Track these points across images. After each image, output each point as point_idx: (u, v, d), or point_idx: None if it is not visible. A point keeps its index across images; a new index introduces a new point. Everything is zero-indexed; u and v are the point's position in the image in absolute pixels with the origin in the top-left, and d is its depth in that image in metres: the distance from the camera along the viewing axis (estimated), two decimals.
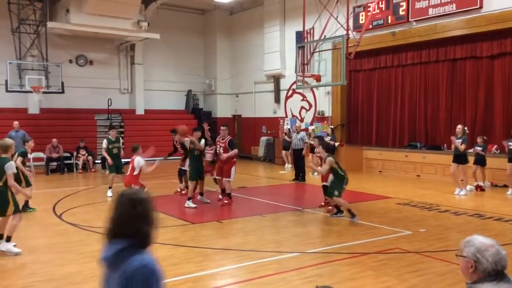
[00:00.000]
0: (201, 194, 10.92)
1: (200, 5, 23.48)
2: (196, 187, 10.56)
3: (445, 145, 14.84)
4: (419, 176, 15.24)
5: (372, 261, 6.43)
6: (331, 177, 9.21)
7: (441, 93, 15.61)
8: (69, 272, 6.05)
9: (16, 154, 8.93)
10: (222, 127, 10.70)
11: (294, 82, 19.87)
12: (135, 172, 9.75)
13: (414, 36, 15.51)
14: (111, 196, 11.50)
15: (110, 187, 11.94)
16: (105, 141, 12.32)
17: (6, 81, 17.40)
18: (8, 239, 6.90)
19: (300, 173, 14.83)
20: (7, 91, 17.54)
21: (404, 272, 5.97)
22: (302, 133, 15.55)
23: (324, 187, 9.77)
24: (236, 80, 23.93)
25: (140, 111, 22.47)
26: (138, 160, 9.78)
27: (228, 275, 6.11)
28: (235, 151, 10.51)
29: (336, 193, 9.02)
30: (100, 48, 21.36)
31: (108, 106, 20.82)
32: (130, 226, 2.32)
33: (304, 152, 15.08)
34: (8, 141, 7.07)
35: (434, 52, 15.57)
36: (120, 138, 12.86)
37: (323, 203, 10.28)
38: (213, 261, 6.68)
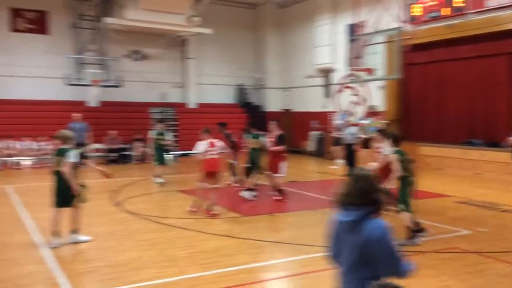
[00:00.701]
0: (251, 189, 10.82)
1: None
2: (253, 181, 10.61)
3: (502, 142, 14.18)
4: (478, 174, 14.66)
5: (430, 260, 6.27)
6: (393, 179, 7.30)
7: (500, 88, 14.92)
8: (128, 258, 6.29)
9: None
10: (271, 122, 10.79)
11: (346, 76, 19.61)
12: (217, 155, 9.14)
13: (471, 29, 14.88)
14: (161, 182, 12.11)
15: (158, 176, 12.54)
16: (152, 132, 13.10)
17: (67, 75, 18.18)
18: (76, 231, 7.09)
19: (352, 168, 14.62)
20: (67, 84, 18.34)
21: (463, 272, 5.80)
22: (353, 128, 15.30)
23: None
24: (286, 74, 23.88)
25: (192, 104, 22.89)
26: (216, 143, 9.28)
27: (281, 268, 6.15)
28: (281, 147, 10.36)
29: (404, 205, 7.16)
30: (154, 43, 21.89)
31: (162, 100, 21.33)
32: (370, 197, 2.89)
33: (355, 147, 14.83)
34: (68, 132, 7.34)
35: (492, 45, 14.87)
36: (164, 132, 13.26)
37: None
38: (266, 254, 6.75)
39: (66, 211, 6.98)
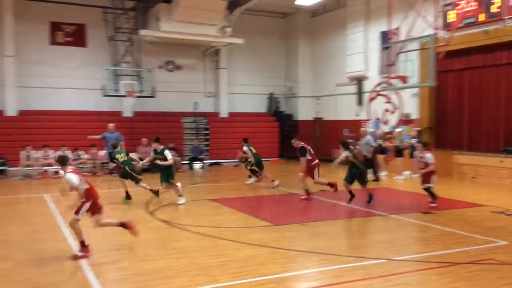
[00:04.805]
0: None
1: (282, 8, 23.68)
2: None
3: None
4: None
5: (464, 271, 6.12)
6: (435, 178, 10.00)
7: None
8: (161, 266, 6.39)
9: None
10: (292, 140, 12.09)
11: (378, 84, 19.40)
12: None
13: (508, 35, 14.51)
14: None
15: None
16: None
17: (103, 86, 18.74)
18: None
19: (376, 175, 15.03)
20: (104, 95, 18.89)
21: (499, 285, 5.63)
22: (368, 137, 15.36)
23: (427, 189, 10.31)
24: (317, 83, 23.83)
25: (224, 114, 23.13)
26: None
27: (312, 278, 6.12)
28: (305, 158, 11.39)
29: None
30: (187, 53, 22.28)
31: (194, 109, 21.64)
32: None
33: (368, 156, 15.05)
34: None
35: None
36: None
37: (433, 204, 10.25)
38: (296, 263, 6.73)
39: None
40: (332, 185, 11.86)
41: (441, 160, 16.03)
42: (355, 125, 20.79)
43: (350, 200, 10.84)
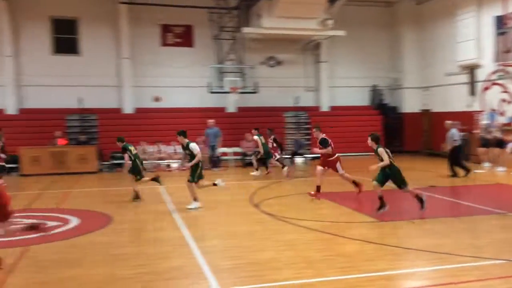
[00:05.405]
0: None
1: None
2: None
3: None
4: None
5: None
6: None
7: None
8: (268, 257, 6.57)
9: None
10: (313, 130, 11.78)
11: (493, 72, 18.01)
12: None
13: None
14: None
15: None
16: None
17: (209, 83, 19.59)
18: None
19: (453, 170, 14.27)
20: (210, 92, 19.75)
21: None
22: (453, 130, 14.35)
23: None
24: (425, 73, 22.69)
25: (325, 107, 22.96)
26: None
27: (423, 277, 5.89)
28: (325, 149, 10.97)
29: None
30: (288, 49, 22.43)
31: (295, 104, 21.76)
32: None
33: (447, 149, 14.39)
34: None
35: None
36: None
37: None
38: (406, 261, 6.52)
39: None
40: (357, 184, 11.18)
41: None
42: (467, 117, 19.48)
43: (380, 208, 9.06)
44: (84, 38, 20.55)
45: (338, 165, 11.13)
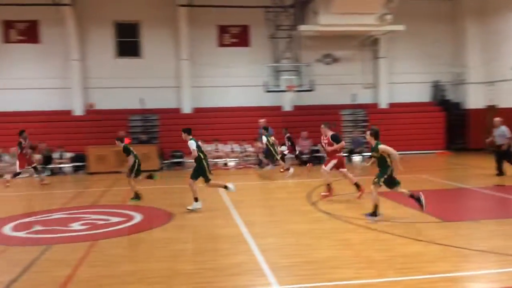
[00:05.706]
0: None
1: None
2: None
3: None
4: None
5: None
6: None
7: None
8: (326, 256, 6.53)
9: None
10: (322, 126, 11.21)
11: None
12: None
13: None
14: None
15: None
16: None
17: (265, 82, 19.68)
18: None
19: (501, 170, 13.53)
20: (266, 91, 19.83)
21: None
22: (503, 127, 13.45)
23: None
24: (490, 67, 21.59)
25: (383, 105, 22.42)
26: None
27: (490, 279, 5.64)
28: (337, 146, 10.76)
29: None
30: (345, 45, 22.09)
31: (352, 101, 21.41)
32: None
33: (503, 147, 13.57)
34: None
35: None
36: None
37: None
38: (471, 263, 6.27)
39: None
40: (359, 186, 10.67)
41: None
42: None
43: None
44: (145, 41, 21.29)
45: (333, 162, 10.81)
